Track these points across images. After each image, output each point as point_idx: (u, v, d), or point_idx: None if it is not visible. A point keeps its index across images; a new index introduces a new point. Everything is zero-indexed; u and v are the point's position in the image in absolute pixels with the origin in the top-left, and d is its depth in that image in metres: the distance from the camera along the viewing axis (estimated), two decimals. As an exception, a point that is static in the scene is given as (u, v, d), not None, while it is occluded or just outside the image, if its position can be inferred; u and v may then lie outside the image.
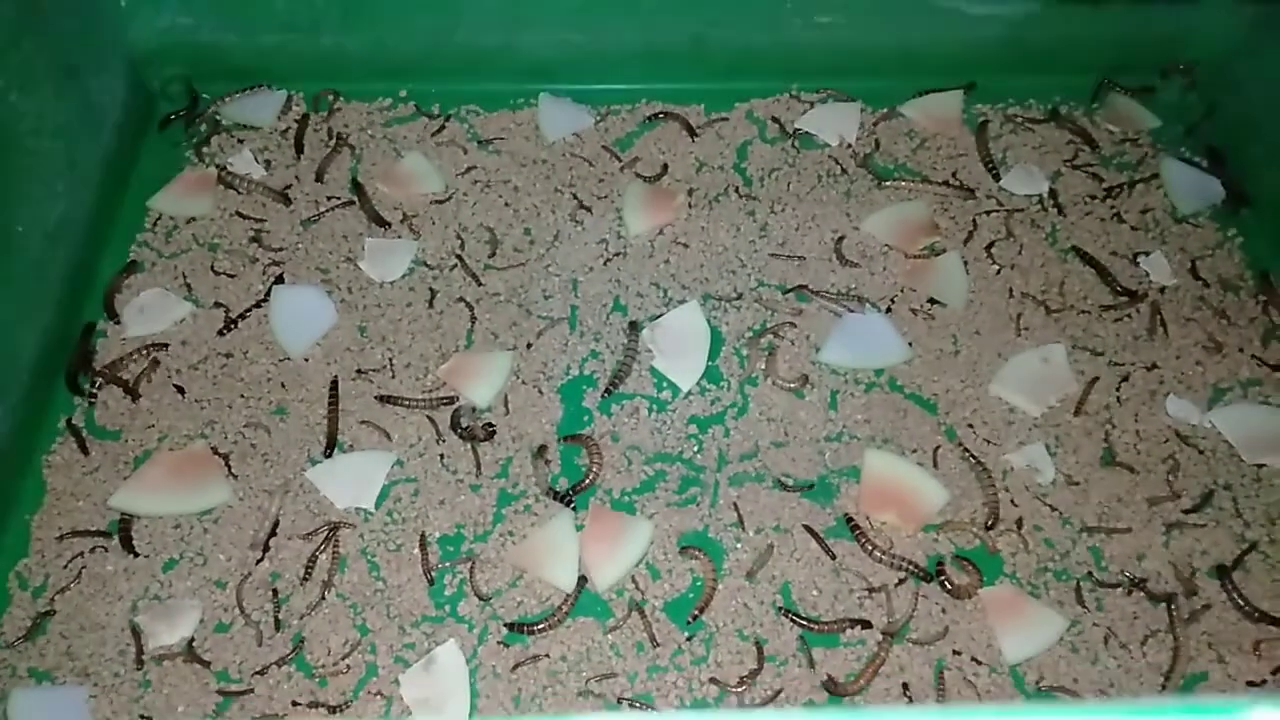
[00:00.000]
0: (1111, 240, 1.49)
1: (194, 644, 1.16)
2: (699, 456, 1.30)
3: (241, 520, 1.24)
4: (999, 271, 1.46)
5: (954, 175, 1.56)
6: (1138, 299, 1.42)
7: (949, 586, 1.19)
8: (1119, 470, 1.29)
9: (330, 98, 1.62)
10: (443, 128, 1.60)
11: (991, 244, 1.48)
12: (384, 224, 1.48)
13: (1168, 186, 1.54)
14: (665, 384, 1.36)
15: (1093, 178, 1.55)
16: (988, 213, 1.51)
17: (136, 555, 1.21)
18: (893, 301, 1.42)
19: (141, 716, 1.12)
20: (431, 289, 1.43)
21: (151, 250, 1.47)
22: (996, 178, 1.55)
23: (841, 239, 1.48)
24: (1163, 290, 1.44)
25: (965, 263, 1.46)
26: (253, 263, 1.45)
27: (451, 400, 1.32)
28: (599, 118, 1.61)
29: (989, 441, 1.31)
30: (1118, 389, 1.35)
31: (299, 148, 1.57)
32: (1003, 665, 1.16)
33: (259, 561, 1.21)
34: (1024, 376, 1.35)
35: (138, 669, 1.15)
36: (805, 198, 1.53)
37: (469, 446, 1.29)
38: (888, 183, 1.54)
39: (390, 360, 1.36)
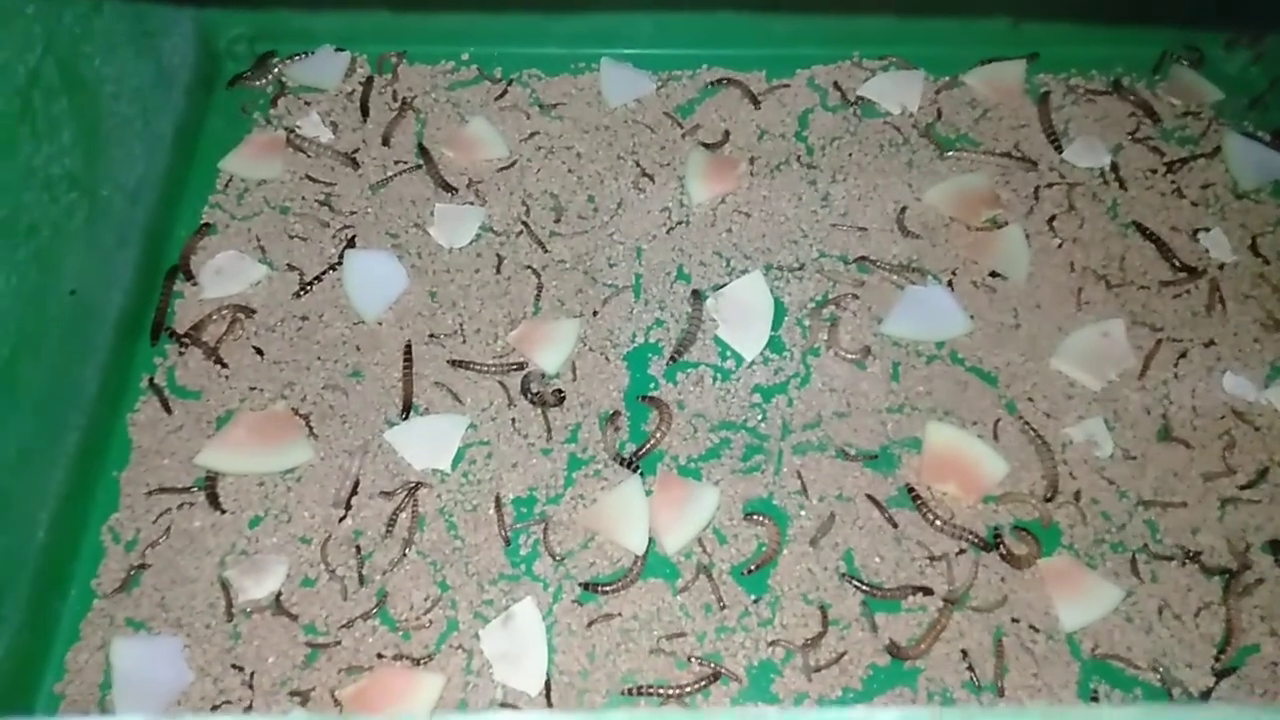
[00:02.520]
0: (1172, 215, 1.50)
1: (281, 598, 1.21)
2: (763, 425, 1.33)
3: (323, 479, 1.28)
4: (1060, 245, 1.47)
5: (1016, 146, 1.56)
6: (1197, 275, 1.44)
7: (1008, 556, 1.23)
8: (1175, 445, 1.31)
9: (394, 59, 1.63)
10: (505, 92, 1.61)
11: (1053, 217, 1.49)
12: (451, 189, 1.50)
13: (1229, 161, 1.54)
14: (729, 353, 1.38)
15: (1154, 151, 1.56)
16: (1049, 185, 1.52)
17: (223, 512, 1.26)
18: (954, 274, 1.44)
19: (234, 666, 1.17)
20: (499, 255, 1.45)
21: (224, 212, 1.49)
22: (1059, 150, 1.55)
23: (904, 210, 1.49)
24: (1222, 267, 1.45)
25: (1027, 235, 1.47)
26: (324, 226, 1.47)
27: (521, 366, 1.36)
28: (660, 84, 1.62)
29: (1048, 415, 1.33)
30: (1175, 365, 1.37)
31: (365, 111, 1.58)
32: (1059, 633, 1.19)
33: (342, 519, 1.25)
34: (1084, 351, 1.37)
35: (228, 621, 1.20)
36: (867, 167, 1.54)
37: (539, 411, 1.33)
38: (950, 153, 1.54)
39: (461, 325, 1.39)
